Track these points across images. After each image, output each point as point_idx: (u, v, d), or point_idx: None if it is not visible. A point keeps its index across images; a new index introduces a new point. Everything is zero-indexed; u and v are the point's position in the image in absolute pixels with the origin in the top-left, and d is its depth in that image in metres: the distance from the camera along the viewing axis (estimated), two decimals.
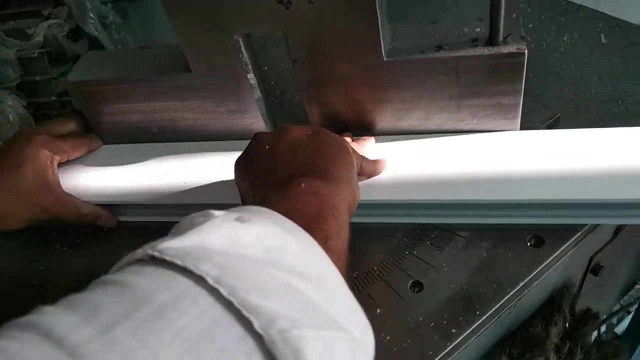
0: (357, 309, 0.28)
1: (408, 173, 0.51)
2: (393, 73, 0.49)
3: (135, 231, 0.58)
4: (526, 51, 0.45)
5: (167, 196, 0.54)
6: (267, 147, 0.43)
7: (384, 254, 0.50)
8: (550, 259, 0.47)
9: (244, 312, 0.22)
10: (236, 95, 0.53)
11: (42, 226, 0.58)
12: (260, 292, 0.23)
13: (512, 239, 0.49)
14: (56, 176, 0.55)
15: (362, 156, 0.48)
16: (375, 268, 0.49)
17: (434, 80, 0.49)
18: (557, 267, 0.49)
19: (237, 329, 0.22)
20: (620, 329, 1.05)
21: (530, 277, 0.47)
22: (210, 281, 0.22)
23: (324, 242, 0.30)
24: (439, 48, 0.47)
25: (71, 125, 0.60)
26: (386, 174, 0.51)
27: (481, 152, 0.51)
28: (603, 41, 0.69)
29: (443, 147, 0.52)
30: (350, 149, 0.44)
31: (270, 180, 0.40)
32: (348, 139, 0.50)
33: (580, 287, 0.58)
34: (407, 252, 0.50)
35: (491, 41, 0.46)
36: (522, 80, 0.48)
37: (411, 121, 0.53)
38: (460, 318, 0.45)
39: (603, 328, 0.60)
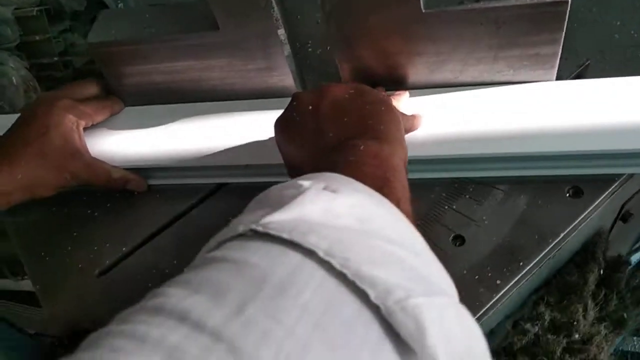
0: (445, 271, 0.28)
1: (444, 127, 0.50)
2: (431, 25, 0.47)
3: (166, 194, 0.57)
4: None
5: (199, 158, 0.53)
6: (310, 107, 0.42)
7: (424, 209, 0.50)
8: (590, 208, 0.48)
9: (359, 284, 0.22)
10: (266, 52, 0.51)
11: (71, 192, 0.57)
12: (371, 263, 0.22)
13: (551, 190, 0.49)
14: (83, 141, 0.54)
15: (401, 112, 0.47)
16: (415, 224, 0.49)
17: (472, 31, 0.48)
18: (594, 216, 0.50)
19: (353, 300, 0.22)
20: None
21: (571, 227, 0.47)
22: (321, 254, 0.22)
23: (397, 205, 0.30)
24: None
25: (92, 89, 0.59)
26: (422, 129, 0.50)
27: (518, 104, 0.50)
28: None
29: (478, 99, 0.51)
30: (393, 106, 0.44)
31: (319, 142, 0.40)
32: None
33: (609, 234, 0.59)
34: (446, 207, 0.50)
35: None
36: (563, 30, 0.47)
37: (445, 74, 0.52)
38: (504, 269, 0.46)
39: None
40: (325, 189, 0.27)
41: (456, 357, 0.22)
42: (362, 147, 0.36)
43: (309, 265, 0.22)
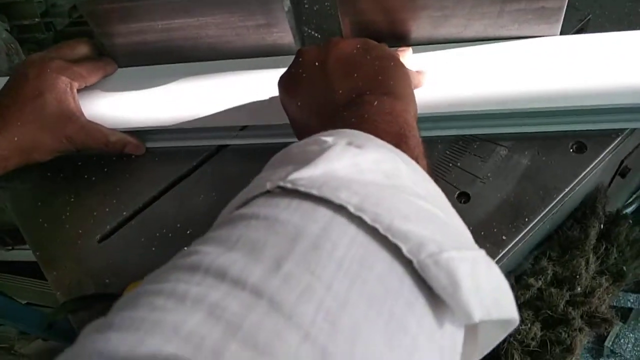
0: (465, 227, 0.28)
1: (447, 84, 0.49)
2: None
3: (164, 157, 0.56)
4: None
5: (197, 120, 0.52)
6: (316, 63, 0.41)
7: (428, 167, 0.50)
8: (594, 163, 0.48)
9: (391, 238, 0.21)
10: (265, 8, 0.50)
11: (66, 157, 0.56)
12: (403, 217, 0.22)
13: (555, 146, 0.49)
14: (77, 104, 0.52)
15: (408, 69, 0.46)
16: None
17: None
18: (596, 171, 0.50)
19: (385, 255, 0.21)
20: None
21: (575, 182, 0.47)
22: (351, 209, 0.22)
23: (416, 161, 0.29)
24: None
25: (83, 49, 0.56)
26: (426, 86, 0.50)
27: (522, 60, 0.50)
28: None
29: (482, 55, 0.51)
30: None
31: (327, 99, 0.39)
32: None
33: (607, 189, 0.60)
34: (450, 164, 0.50)
35: None
36: None
37: (449, 29, 0.51)
38: (510, 225, 0.46)
39: None
40: (349, 144, 0.26)
41: (485, 310, 0.22)
42: (375, 103, 0.35)
43: (340, 220, 0.22)
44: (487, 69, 0.50)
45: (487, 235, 0.46)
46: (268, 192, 0.24)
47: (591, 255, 0.49)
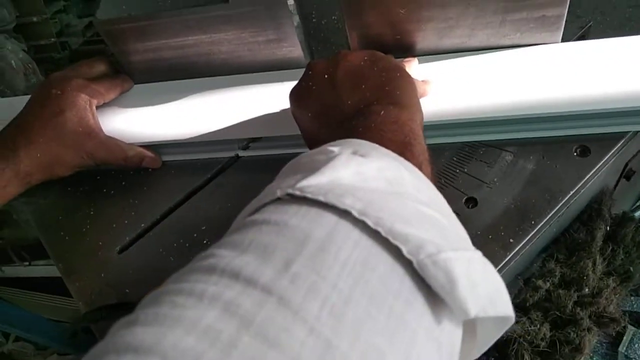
0: (464, 230, 0.30)
1: (453, 92, 0.51)
2: None
3: (181, 170, 0.58)
4: None
5: (212, 132, 0.54)
6: (325, 76, 0.42)
7: (436, 173, 0.51)
8: (597, 166, 0.49)
9: (392, 240, 0.23)
10: (275, 23, 0.52)
11: (86, 172, 0.58)
12: (403, 221, 0.24)
13: (559, 150, 0.50)
14: (97, 120, 0.54)
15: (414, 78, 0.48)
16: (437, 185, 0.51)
17: None
18: (600, 174, 0.51)
19: (387, 256, 0.23)
20: None
21: (580, 185, 0.48)
22: (355, 214, 0.23)
23: (419, 168, 0.31)
24: None
25: (101, 67, 0.59)
26: (432, 95, 0.51)
27: (525, 67, 0.51)
28: None
29: (487, 64, 0.52)
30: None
31: (337, 110, 0.40)
32: None
33: (613, 192, 0.61)
34: (457, 170, 0.51)
35: None
36: None
37: (454, 39, 0.53)
38: (517, 229, 0.47)
39: None
40: (354, 153, 0.28)
41: (481, 306, 0.24)
42: (382, 113, 0.36)
43: (345, 225, 0.23)
44: (491, 77, 0.51)
45: (495, 239, 0.47)
46: (279, 199, 0.26)
47: (598, 257, 0.50)
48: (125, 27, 0.54)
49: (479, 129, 0.52)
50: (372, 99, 0.39)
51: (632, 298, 1.51)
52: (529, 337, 0.47)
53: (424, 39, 0.53)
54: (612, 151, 0.50)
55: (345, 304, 0.21)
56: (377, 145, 0.30)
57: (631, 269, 0.52)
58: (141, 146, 0.56)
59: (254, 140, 0.57)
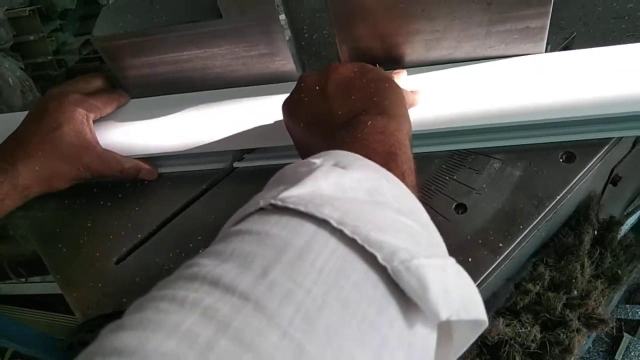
0: (441, 238, 0.31)
1: (441, 102, 0.52)
2: (425, 2, 0.50)
3: (176, 181, 0.59)
4: None
5: (207, 144, 0.55)
6: (316, 87, 0.44)
7: (426, 180, 0.52)
8: (582, 172, 0.50)
9: (368, 248, 0.24)
10: (268, 38, 0.53)
11: (83, 185, 0.59)
12: (379, 229, 0.25)
13: (545, 157, 0.52)
14: (94, 134, 0.56)
15: (403, 89, 0.49)
16: (419, 195, 0.52)
17: (465, 8, 0.50)
18: (587, 180, 0.52)
19: (362, 264, 0.24)
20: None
21: (566, 190, 0.50)
22: (334, 223, 0.24)
23: (402, 178, 0.32)
24: None
25: (97, 82, 0.60)
26: (421, 105, 0.53)
27: (510, 77, 0.53)
28: None
29: (473, 74, 0.54)
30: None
31: (327, 120, 0.42)
32: None
33: (601, 197, 0.62)
34: (447, 178, 0.52)
35: None
36: (551, 2, 0.49)
37: (441, 51, 0.54)
38: (506, 233, 0.48)
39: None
40: (335, 165, 0.29)
41: (454, 312, 0.25)
42: (369, 123, 0.38)
43: (323, 234, 0.24)
44: (477, 86, 0.53)
45: (484, 243, 0.48)
46: (262, 209, 0.27)
47: (586, 260, 0.52)
48: (122, 43, 0.55)
49: (467, 137, 0.53)
50: (361, 109, 0.41)
51: (628, 306, 1.51)
52: (520, 339, 0.48)
53: (412, 51, 0.55)
54: (597, 157, 0.51)
55: (318, 309, 0.22)
56: (360, 157, 0.32)
57: (619, 271, 0.54)
58: (137, 158, 0.57)
59: (248, 151, 0.58)
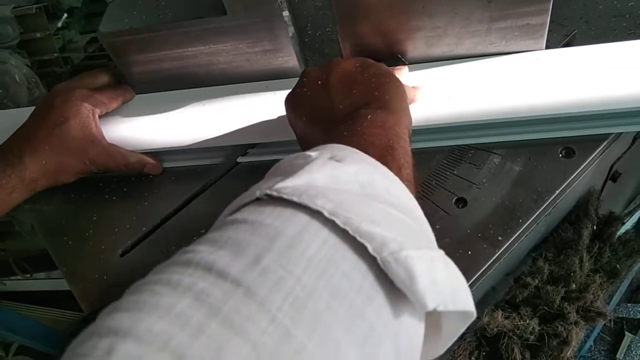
0: (431, 231, 0.32)
1: (442, 98, 0.53)
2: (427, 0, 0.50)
3: (180, 176, 0.60)
4: None
5: (211, 139, 0.56)
6: (319, 82, 0.45)
7: (426, 175, 0.53)
8: (581, 167, 0.51)
9: (359, 238, 0.24)
10: (271, 35, 0.54)
11: (88, 179, 0.60)
12: (370, 221, 0.25)
13: (545, 152, 0.52)
14: (99, 128, 0.56)
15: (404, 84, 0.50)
16: (420, 189, 0.53)
17: (465, 5, 0.51)
18: (586, 175, 0.53)
19: (352, 254, 0.25)
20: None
21: (565, 185, 0.50)
22: (326, 214, 0.25)
23: (399, 171, 0.33)
24: None
25: (104, 78, 0.61)
26: (422, 101, 0.53)
27: (511, 73, 0.54)
28: None
29: (474, 70, 0.55)
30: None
31: (329, 114, 0.42)
32: None
33: (600, 193, 0.63)
34: (448, 172, 0.53)
35: None
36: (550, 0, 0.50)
37: (442, 48, 0.55)
38: (505, 227, 0.49)
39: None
40: (331, 158, 0.30)
41: (442, 302, 0.25)
42: (369, 117, 0.38)
43: (316, 224, 0.25)
44: (478, 83, 0.53)
45: (484, 237, 0.49)
46: (257, 200, 0.27)
47: (585, 254, 0.52)
48: (128, 39, 0.56)
49: (467, 132, 0.54)
50: (362, 103, 0.41)
51: (629, 305, 1.51)
52: (519, 332, 0.48)
53: (414, 47, 0.55)
54: (596, 152, 0.52)
55: (307, 296, 0.22)
56: (356, 150, 0.32)
57: (618, 266, 0.54)
58: (143, 153, 0.58)
59: (251, 146, 0.59)
